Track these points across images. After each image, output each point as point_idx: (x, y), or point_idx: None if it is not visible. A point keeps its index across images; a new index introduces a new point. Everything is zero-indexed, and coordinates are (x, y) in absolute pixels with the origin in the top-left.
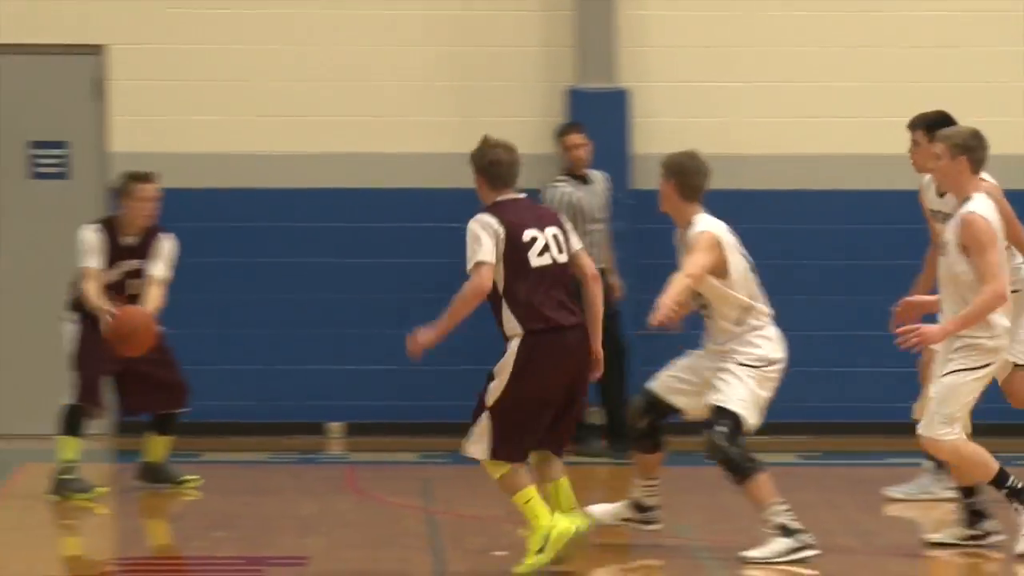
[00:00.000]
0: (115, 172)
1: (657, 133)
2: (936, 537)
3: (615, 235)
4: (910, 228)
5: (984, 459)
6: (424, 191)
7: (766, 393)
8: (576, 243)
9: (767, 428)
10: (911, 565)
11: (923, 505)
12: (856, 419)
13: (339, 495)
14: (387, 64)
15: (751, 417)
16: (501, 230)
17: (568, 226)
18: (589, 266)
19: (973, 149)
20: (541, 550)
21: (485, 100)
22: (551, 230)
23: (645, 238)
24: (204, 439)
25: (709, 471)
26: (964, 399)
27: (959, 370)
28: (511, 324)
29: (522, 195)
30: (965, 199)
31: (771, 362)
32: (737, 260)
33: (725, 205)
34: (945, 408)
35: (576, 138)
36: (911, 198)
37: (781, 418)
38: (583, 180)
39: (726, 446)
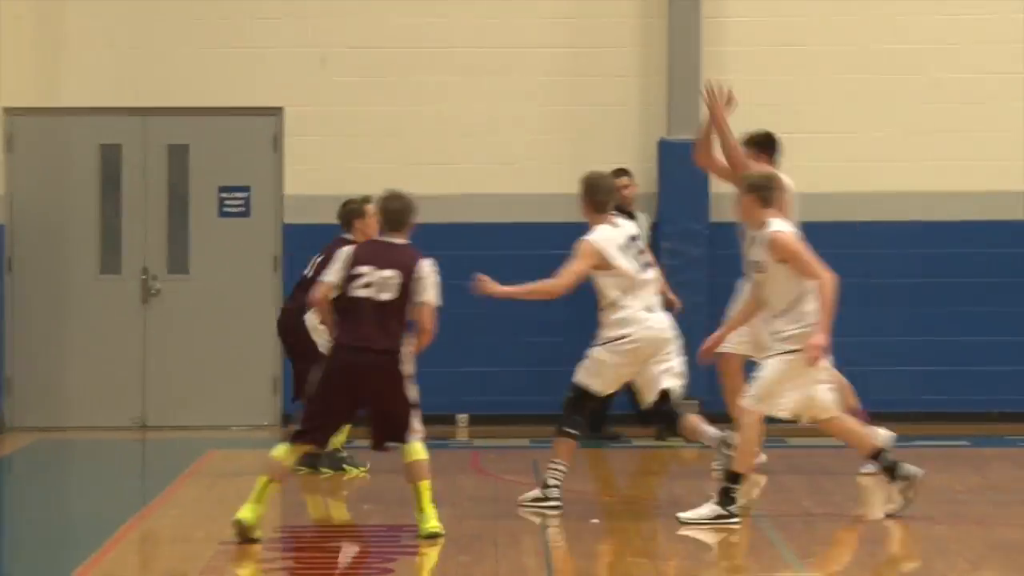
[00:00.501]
0: (287, 211)
1: None
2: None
3: (695, 259)
4: (979, 252)
5: (752, 453)
6: (540, 225)
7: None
8: (429, 297)
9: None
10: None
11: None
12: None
13: (465, 474)
14: (511, 120)
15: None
16: (349, 260)
17: (428, 281)
18: (425, 320)
19: (760, 188)
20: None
21: (592, 149)
22: (388, 272)
23: (719, 262)
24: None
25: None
26: (776, 378)
27: (774, 355)
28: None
29: (396, 240)
30: (763, 225)
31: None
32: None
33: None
34: (761, 385)
35: (624, 180)
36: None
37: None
38: (630, 216)
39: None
